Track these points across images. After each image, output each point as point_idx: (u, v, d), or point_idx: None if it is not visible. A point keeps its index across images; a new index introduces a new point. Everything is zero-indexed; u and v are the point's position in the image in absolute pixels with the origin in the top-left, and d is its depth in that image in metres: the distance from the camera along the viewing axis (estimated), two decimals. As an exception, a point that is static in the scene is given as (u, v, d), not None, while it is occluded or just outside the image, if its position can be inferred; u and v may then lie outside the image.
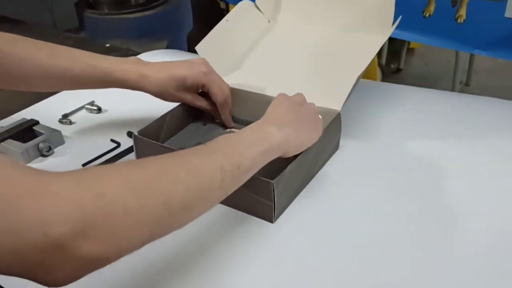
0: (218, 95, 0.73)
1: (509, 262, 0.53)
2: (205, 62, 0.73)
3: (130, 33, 1.31)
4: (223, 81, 0.74)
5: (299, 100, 0.65)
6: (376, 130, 0.77)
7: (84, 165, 0.71)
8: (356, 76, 0.68)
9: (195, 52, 0.79)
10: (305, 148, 0.61)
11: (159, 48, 1.27)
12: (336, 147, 0.72)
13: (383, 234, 0.57)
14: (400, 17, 0.76)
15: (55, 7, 1.48)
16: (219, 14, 2.36)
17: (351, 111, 0.76)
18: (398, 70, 2.77)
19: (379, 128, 0.78)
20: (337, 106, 0.70)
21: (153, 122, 0.71)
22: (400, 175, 0.67)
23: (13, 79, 0.68)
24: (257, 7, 0.89)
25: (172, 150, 0.62)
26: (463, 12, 1.07)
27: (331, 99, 0.70)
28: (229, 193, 0.49)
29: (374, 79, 1.92)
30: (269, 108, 0.63)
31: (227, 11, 1.60)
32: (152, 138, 0.67)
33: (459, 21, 1.09)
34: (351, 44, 0.79)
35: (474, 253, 0.54)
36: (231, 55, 0.84)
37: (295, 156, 0.60)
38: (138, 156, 0.69)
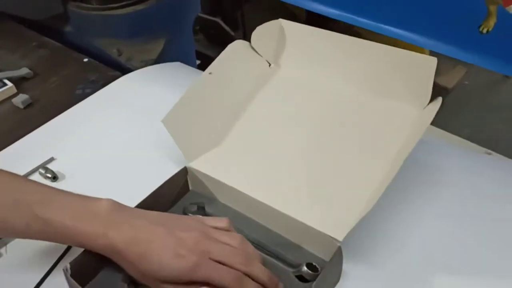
0: None
1: None
2: None
3: (120, 32, 1.12)
4: None
5: None
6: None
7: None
8: (371, 206, 0.49)
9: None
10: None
11: (156, 48, 1.08)
12: (337, 280, 0.54)
13: None
14: (440, 98, 0.54)
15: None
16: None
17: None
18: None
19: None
20: (338, 234, 0.51)
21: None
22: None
23: None
24: (253, 49, 0.68)
25: None
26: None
27: (332, 222, 0.52)
28: None
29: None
30: None
31: None
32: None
33: (524, 42, 0.85)
34: (374, 122, 0.59)
35: None
36: (208, 128, 0.63)
37: None
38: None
